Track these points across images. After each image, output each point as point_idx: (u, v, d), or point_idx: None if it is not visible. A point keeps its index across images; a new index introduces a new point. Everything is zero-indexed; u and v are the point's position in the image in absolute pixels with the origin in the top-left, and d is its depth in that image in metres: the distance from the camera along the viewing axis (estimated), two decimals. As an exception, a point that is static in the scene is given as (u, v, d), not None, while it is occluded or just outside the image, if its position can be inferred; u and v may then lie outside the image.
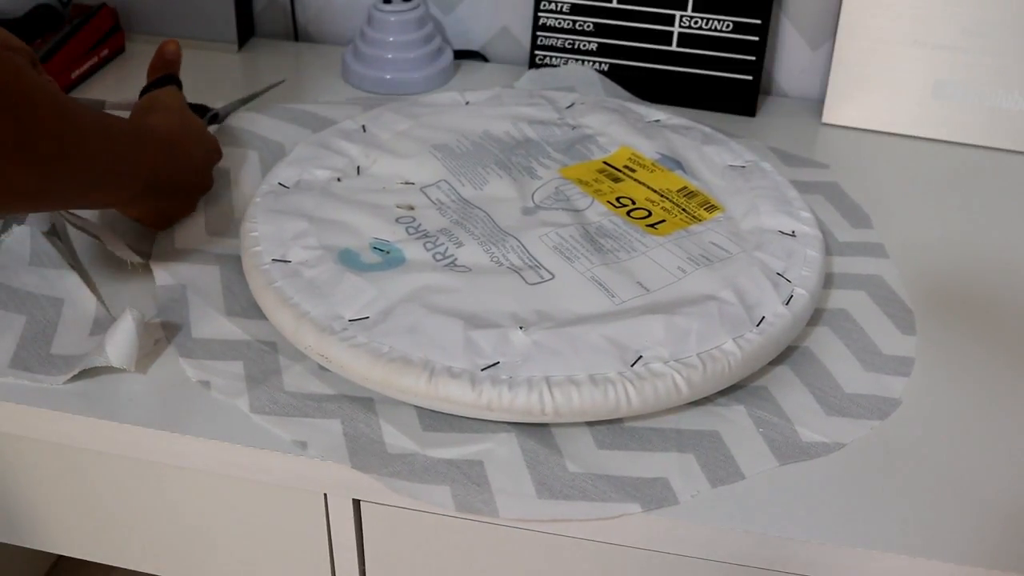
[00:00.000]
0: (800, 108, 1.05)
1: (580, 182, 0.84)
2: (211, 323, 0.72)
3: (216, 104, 0.94)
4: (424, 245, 0.75)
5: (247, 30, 1.15)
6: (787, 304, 0.71)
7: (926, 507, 0.62)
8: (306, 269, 0.71)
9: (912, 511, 0.61)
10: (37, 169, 0.59)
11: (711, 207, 0.81)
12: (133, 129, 0.73)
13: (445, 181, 0.83)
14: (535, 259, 0.74)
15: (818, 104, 1.03)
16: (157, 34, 1.12)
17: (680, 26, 1.03)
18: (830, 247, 0.82)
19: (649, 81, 1.05)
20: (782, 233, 0.78)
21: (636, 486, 0.62)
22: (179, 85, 0.85)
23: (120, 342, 0.67)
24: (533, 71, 1.05)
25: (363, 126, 0.88)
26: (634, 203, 0.82)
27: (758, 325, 0.69)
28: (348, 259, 0.73)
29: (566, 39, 1.06)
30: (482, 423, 0.65)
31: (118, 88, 1.04)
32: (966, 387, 0.70)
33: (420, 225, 0.77)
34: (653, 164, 0.86)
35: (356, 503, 0.68)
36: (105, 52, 1.08)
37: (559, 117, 0.92)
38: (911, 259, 0.82)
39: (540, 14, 1.06)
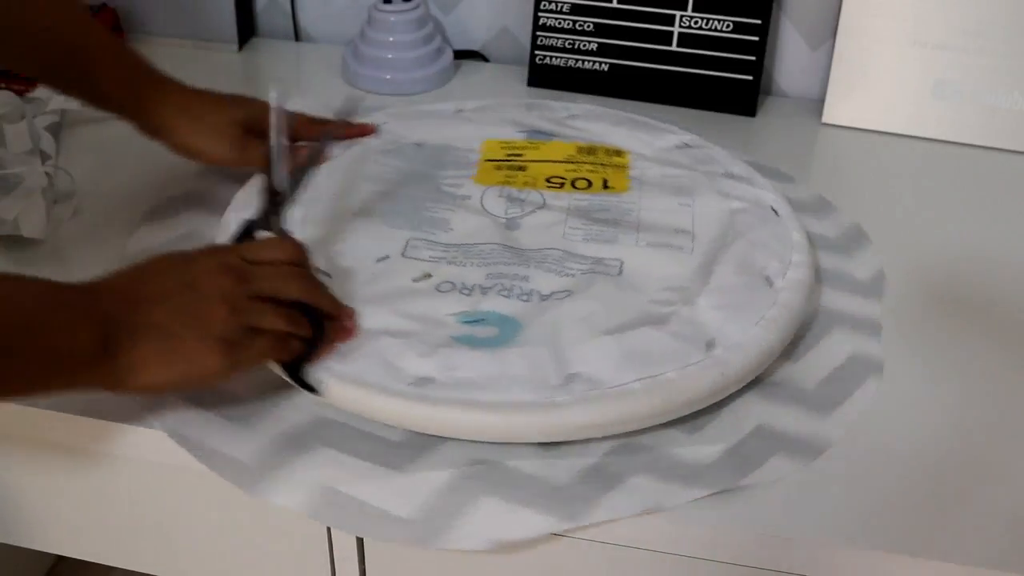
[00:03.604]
0: (800, 108, 1.05)
1: (505, 182, 0.84)
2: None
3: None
4: (500, 294, 0.71)
5: (248, 30, 1.15)
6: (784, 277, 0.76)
7: (927, 507, 0.62)
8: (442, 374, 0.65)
9: (913, 510, 0.61)
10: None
11: (617, 152, 0.86)
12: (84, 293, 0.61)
13: (414, 238, 0.77)
14: (590, 257, 0.74)
15: (818, 104, 1.03)
16: (157, 34, 1.13)
17: (680, 26, 1.03)
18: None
19: (649, 81, 1.05)
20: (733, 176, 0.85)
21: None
22: None
23: (31, 213, 0.64)
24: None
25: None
26: (564, 178, 0.82)
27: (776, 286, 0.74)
28: (468, 342, 0.67)
29: (566, 39, 1.06)
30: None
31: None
32: (944, 383, 0.73)
33: (463, 284, 0.72)
34: (527, 142, 0.86)
35: (356, 505, 0.68)
36: (105, 52, 1.08)
37: (396, 146, 0.88)
38: (908, 258, 0.82)
39: (540, 14, 1.06)
